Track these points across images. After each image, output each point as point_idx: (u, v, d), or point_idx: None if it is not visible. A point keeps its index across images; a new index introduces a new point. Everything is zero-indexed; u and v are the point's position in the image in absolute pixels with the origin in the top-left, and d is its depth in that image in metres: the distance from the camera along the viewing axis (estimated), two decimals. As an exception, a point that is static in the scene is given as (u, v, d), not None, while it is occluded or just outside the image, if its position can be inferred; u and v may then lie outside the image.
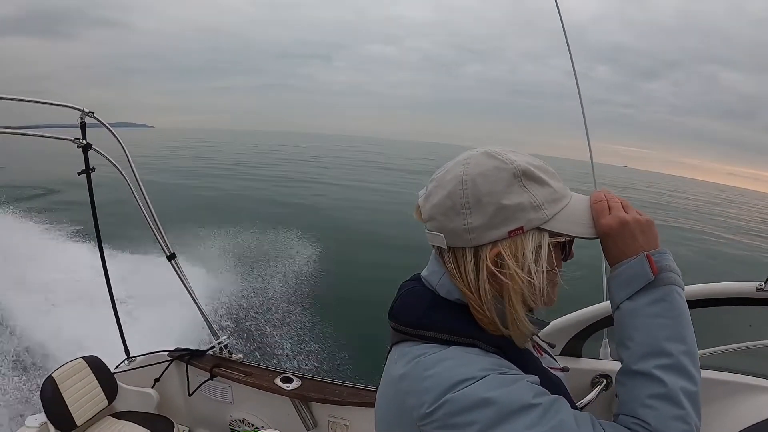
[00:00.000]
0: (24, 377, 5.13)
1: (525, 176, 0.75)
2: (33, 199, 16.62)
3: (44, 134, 2.84)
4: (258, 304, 7.96)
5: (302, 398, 2.68)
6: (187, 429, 3.14)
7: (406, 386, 0.76)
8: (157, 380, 3.12)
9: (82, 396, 2.90)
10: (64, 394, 2.81)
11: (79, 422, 2.83)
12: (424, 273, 0.87)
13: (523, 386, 0.70)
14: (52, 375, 2.85)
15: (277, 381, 2.76)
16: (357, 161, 46.25)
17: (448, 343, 0.76)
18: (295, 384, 2.74)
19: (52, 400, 2.77)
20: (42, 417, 2.76)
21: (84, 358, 3.01)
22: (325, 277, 9.32)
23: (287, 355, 5.23)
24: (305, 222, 14.05)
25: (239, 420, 2.98)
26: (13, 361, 5.43)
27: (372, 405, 2.30)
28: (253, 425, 2.94)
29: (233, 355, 3.08)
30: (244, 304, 7.77)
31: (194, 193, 19.91)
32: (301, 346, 6.17)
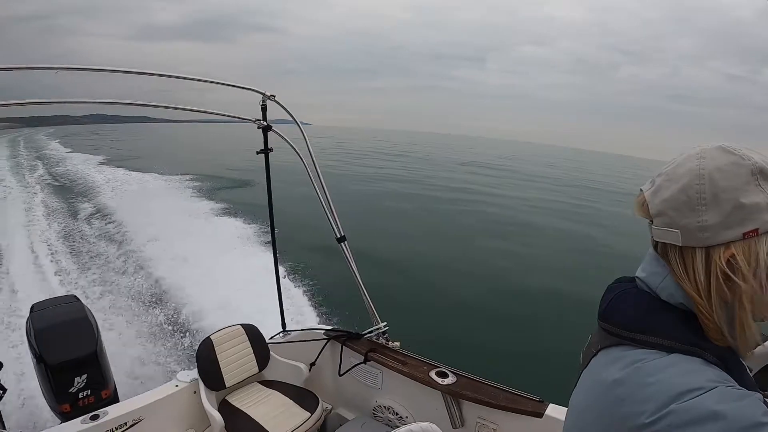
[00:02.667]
0: (182, 338, 5.60)
1: (761, 175, 0.69)
2: (202, 181, 18.96)
3: (227, 114, 2.95)
4: (426, 295, 8.10)
5: (455, 395, 2.50)
6: (330, 407, 3.11)
7: (621, 392, 0.70)
8: (311, 359, 3.14)
9: (235, 360, 2.97)
10: (218, 356, 2.91)
11: (228, 384, 2.92)
12: (640, 274, 0.81)
13: (753, 403, 0.64)
14: (210, 337, 2.95)
15: (432, 374, 2.59)
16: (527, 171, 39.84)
17: (669, 349, 0.70)
18: (450, 379, 2.55)
19: (207, 359, 2.87)
20: (194, 374, 2.87)
21: (242, 325, 3.10)
22: (510, 281, 9.20)
23: (446, 349, 5.16)
24: (492, 222, 14.47)
25: (384, 407, 2.87)
26: (175, 323, 5.98)
27: (526, 413, 2.08)
28: (397, 414, 2.81)
29: (390, 342, 2.98)
30: (412, 294, 7.96)
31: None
32: (464, 344, 6.10)
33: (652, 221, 0.77)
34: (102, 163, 25.52)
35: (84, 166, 23.96)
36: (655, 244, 0.79)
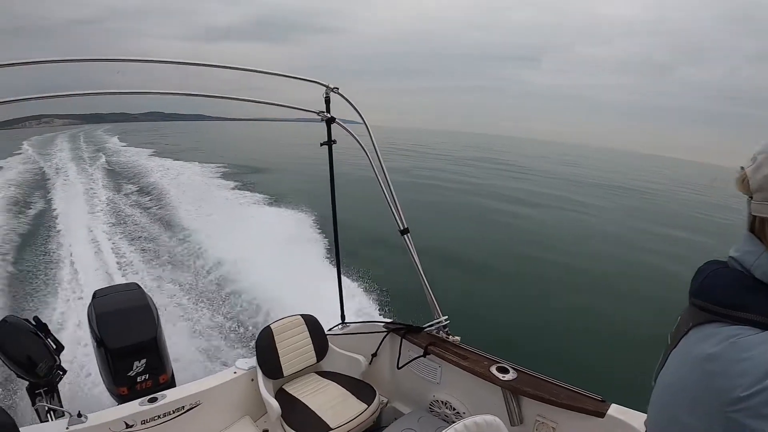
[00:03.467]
0: (241, 326, 5.73)
1: None
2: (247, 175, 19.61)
3: (291, 105, 2.94)
4: (488, 291, 8.08)
5: (515, 391, 2.41)
6: (386, 400, 3.08)
7: (715, 367, 0.70)
8: (369, 352, 3.12)
9: (294, 350, 2.99)
10: (277, 345, 2.93)
11: (285, 373, 2.93)
12: (734, 254, 0.80)
13: None
14: (270, 326, 2.97)
15: (493, 369, 2.51)
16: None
17: (763, 326, 0.69)
18: (511, 375, 2.46)
19: (266, 348, 2.90)
20: (252, 362, 2.90)
21: (302, 315, 3.11)
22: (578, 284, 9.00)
23: (507, 344, 5.06)
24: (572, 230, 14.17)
25: (441, 401, 2.81)
26: (235, 312, 6.11)
27: (588, 413, 2.13)
28: (454, 409, 2.75)
29: (451, 336, 2.91)
30: (472, 287, 7.96)
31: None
32: (525, 340, 6.02)
33: (751, 197, 0.77)
34: (170, 158, 25.78)
35: (138, 157, 24.95)
36: (752, 223, 0.79)
